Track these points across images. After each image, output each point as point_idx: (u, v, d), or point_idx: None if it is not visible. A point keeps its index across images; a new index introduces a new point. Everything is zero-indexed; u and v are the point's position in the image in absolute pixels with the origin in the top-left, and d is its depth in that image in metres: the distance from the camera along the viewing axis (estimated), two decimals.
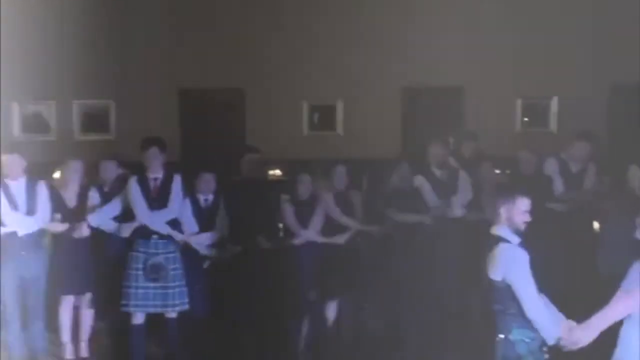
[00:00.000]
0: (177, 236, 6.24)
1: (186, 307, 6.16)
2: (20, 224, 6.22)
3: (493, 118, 11.29)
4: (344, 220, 6.55)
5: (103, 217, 6.37)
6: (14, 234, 6.22)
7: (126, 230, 6.24)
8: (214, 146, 11.28)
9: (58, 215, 6.36)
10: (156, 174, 6.22)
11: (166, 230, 6.17)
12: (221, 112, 12.33)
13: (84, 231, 6.34)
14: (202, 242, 6.33)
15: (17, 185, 6.29)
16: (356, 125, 12.14)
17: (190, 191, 6.38)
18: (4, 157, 6.28)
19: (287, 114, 12.29)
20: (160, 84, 11.92)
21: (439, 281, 6.53)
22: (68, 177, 6.48)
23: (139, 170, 6.27)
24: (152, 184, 6.20)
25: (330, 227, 6.52)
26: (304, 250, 6.44)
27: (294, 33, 12.13)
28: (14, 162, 6.28)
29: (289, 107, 12.31)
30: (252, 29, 12.11)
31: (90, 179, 6.60)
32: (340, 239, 6.49)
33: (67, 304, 6.49)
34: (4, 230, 6.18)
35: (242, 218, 6.33)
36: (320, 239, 6.44)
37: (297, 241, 6.42)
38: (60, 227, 6.35)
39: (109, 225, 6.38)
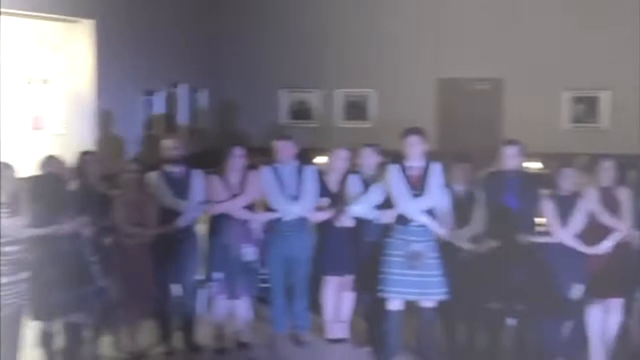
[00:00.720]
0: (434, 228, 6.17)
1: (445, 297, 6.09)
2: (288, 211, 6.52)
3: None
4: (607, 220, 6.10)
5: (365, 207, 6.38)
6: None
7: (387, 218, 6.26)
8: (471, 136, 11.26)
9: (324, 199, 6.59)
10: (416, 162, 6.21)
11: (424, 220, 6.14)
12: (479, 102, 12.25)
13: (346, 221, 6.48)
14: (460, 237, 6.19)
15: (288, 170, 6.60)
16: (624, 117, 11.49)
17: (446, 181, 6.32)
18: (278, 143, 6.63)
19: (547, 105, 11.94)
20: (419, 74, 12.08)
21: None
22: (334, 164, 6.70)
23: (398, 158, 6.31)
24: (411, 172, 6.19)
25: (593, 229, 6.12)
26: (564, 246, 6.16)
27: (555, 22, 11.74)
28: (287, 148, 6.61)
29: (549, 98, 11.95)
30: (510, 19, 11.90)
31: (351, 165, 6.76)
32: (603, 247, 6.05)
33: (330, 284, 6.71)
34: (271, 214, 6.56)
35: (499, 211, 6.22)
36: (577, 245, 6.06)
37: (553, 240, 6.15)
38: (324, 216, 6.56)
39: (370, 214, 6.37)
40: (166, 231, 6.31)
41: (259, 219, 6.58)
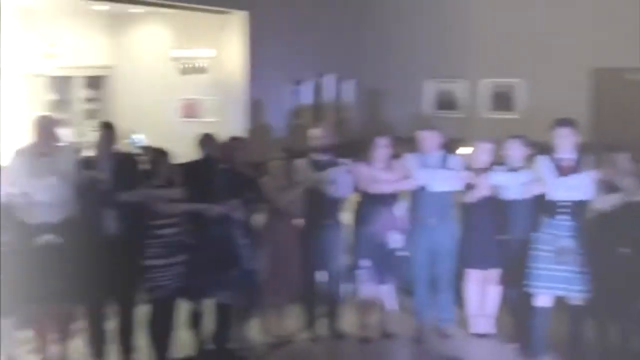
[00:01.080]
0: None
1: (588, 293, 5.92)
2: (432, 179, 6.52)
3: None
4: None
5: (507, 177, 6.35)
6: (425, 200, 6.55)
7: (533, 191, 6.14)
8: (627, 128, 10.77)
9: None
10: (566, 154, 6.05)
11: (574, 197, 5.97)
12: (636, 93, 11.69)
13: (484, 189, 6.42)
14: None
15: (433, 160, 6.57)
16: None
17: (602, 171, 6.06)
18: (422, 133, 6.61)
19: None
20: (570, 63, 11.65)
21: None
22: (478, 156, 6.59)
23: (546, 150, 6.16)
24: (562, 164, 6.04)
25: None
26: None
27: None
28: (432, 138, 6.60)
29: None
30: None
31: (497, 157, 6.63)
32: None
33: (473, 277, 6.63)
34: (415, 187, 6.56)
35: None
36: None
37: None
38: (467, 175, 6.50)
39: (514, 187, 6.29)
40: (314, 184, 6.43)
41: (403, 186, 6.57)
